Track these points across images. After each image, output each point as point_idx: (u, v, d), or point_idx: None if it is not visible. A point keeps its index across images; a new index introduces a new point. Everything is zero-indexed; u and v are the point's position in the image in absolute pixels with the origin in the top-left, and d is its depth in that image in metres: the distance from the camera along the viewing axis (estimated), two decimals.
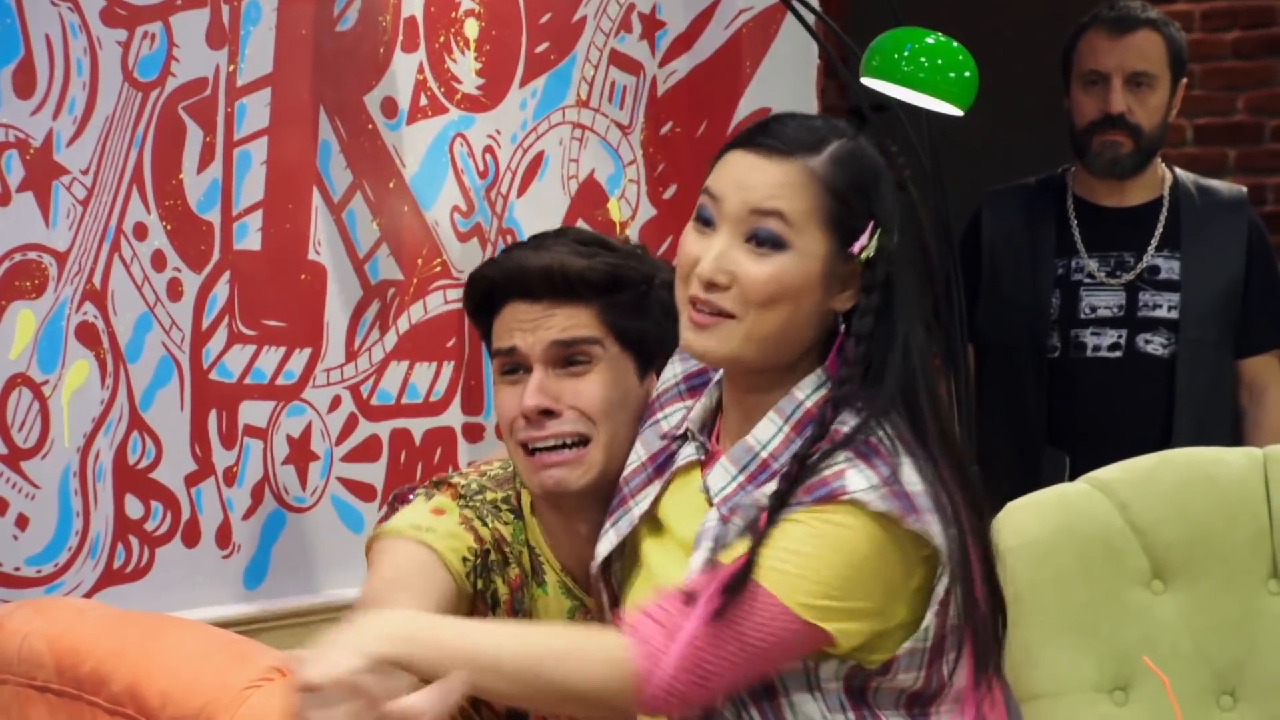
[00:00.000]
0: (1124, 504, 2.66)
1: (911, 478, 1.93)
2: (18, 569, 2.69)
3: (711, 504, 2.00)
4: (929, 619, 1.94)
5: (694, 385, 2.13)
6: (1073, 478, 2.79)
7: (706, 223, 1.98)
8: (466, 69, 3.28)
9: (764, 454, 1.99)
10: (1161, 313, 3.62)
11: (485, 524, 2.15)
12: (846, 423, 1.95)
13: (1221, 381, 3.65)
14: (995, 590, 2.01)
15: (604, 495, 2.13)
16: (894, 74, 3.25)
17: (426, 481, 2.21)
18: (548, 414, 2.11)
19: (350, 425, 3.13)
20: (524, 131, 3.37)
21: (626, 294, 2.14)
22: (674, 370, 2.15)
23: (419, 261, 3.22)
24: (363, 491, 3.15)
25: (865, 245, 1.97)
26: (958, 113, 3.29)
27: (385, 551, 2.10)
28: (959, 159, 3.79)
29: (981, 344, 3.63)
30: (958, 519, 1.95)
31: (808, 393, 1.99)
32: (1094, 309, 3.63)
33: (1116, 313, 3.63)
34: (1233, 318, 3.65)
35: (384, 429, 3.18)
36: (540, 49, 3.39)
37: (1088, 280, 3.63)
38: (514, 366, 2.14)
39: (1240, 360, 3.69)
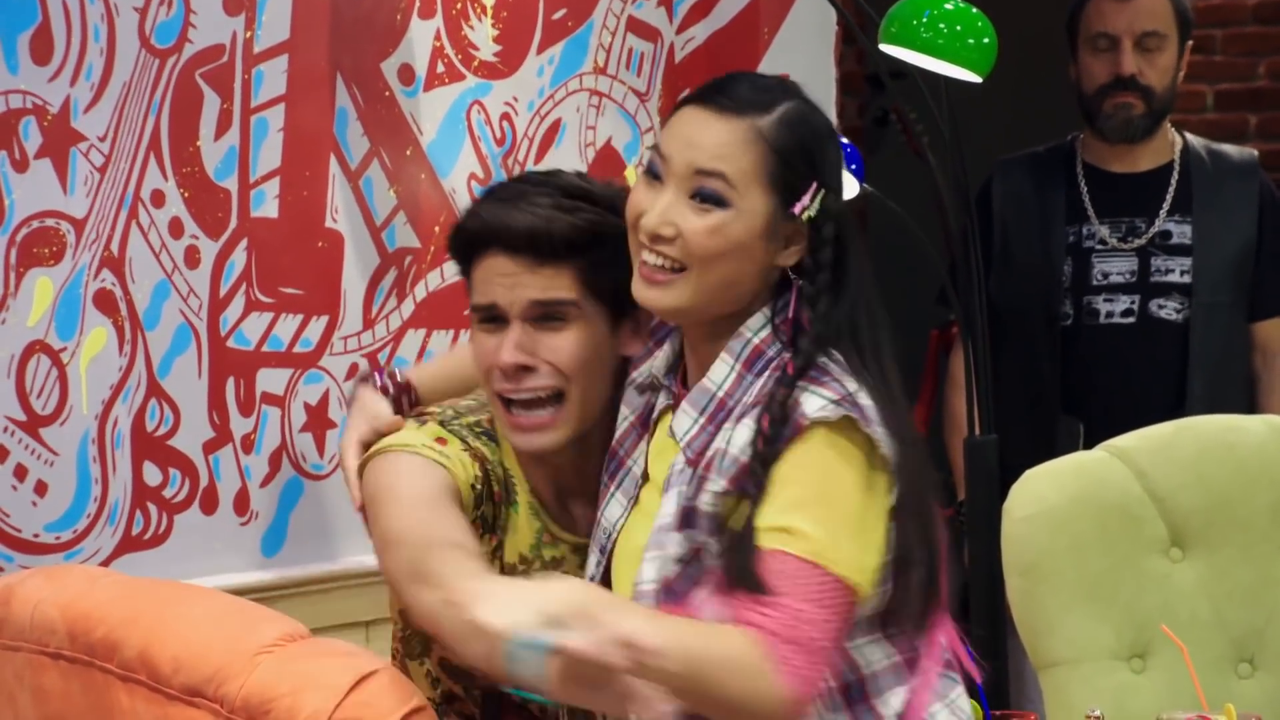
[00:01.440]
0: (1142, 471, 2.65)
1: (864, 398, 2.00)
2: (37, 535, 2.70)
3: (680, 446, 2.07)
4: (891, 529, 2.00)
5: (659, 338, 2.20)
6: (1087, 445, 2.79)
7: (655, 176, 2.05)
8: (484, 36, 3.28)
9: (720, 394, 2.05)
10: (1174, 278, 3.61)
11: (474, 447, 2.20)
12: (798, 356, 2.01)
13: (1234, 345, 3.65)
14: (934, 525, 2.06)
15: (578, 443, 2.19)
16: (912, 40, 3.23)
17: (408, 415, 2.26)
18: (524, 369, 2.16)
19: None
20: (541, 99, 3.37)
21: (606, 250, 2.16)
22: None
23: (436, 229, 3.21)
24: None
25: (807, 206, 2.03)
26: (976, 79, 3.28)
27: (404, 472, 2.14)
28: (977, 125, 3.77)
29: (995, 313, 3.62)
30: (909, 440, 2.02)
31: (754, 330, 2.06)
32: (1106, 275, 3.62)
33: (1129, 279, 3.62)
34: (1245, 281, 3.64)
35: None
36: (558, 15, 3.38)
37: (1099, 246, 3.62)
38: (491, 318, 2.19)
39: (1253, 324, 3.68)
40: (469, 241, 2.20)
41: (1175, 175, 3.65)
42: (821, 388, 1.99)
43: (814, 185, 2.04)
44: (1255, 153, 3.79)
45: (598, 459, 2.21)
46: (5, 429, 2.67)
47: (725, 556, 1.98)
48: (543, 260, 2.15)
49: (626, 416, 2.18)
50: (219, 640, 1.85)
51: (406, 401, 2.31)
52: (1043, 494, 2.64)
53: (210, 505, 2.92)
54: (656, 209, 2.04)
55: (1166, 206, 3.63)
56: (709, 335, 2.09)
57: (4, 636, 1.99)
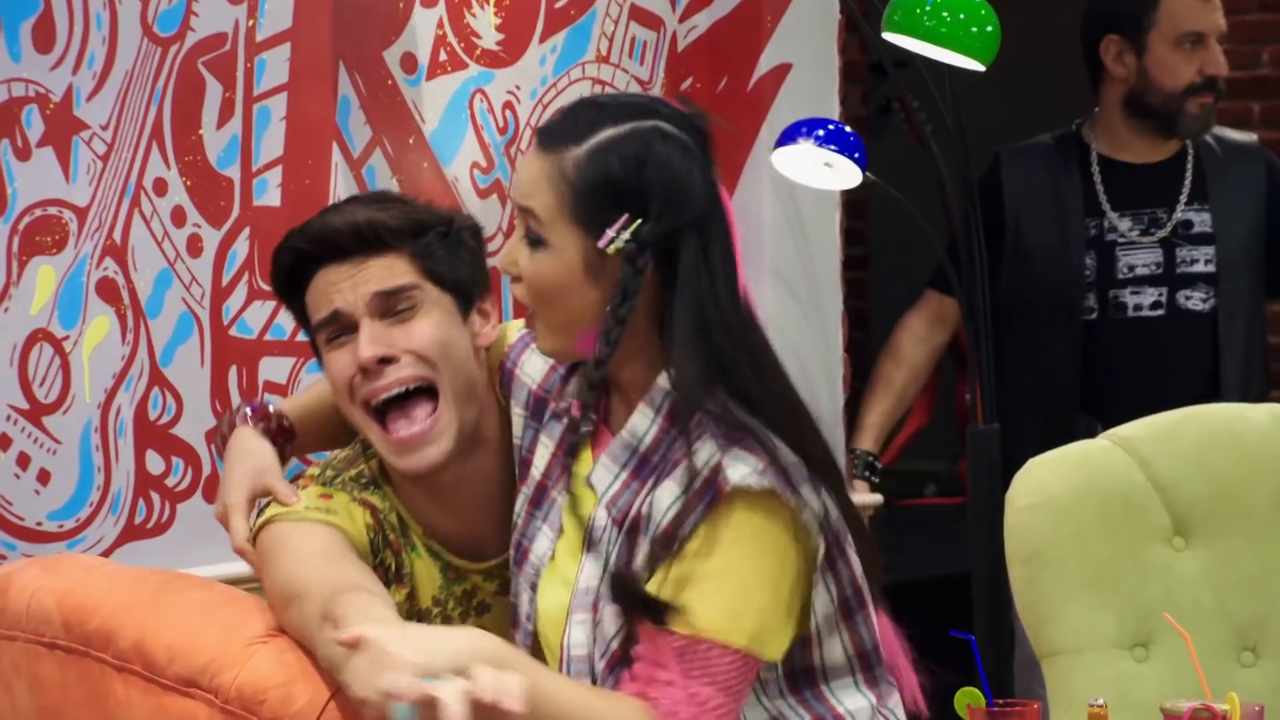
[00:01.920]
0: (1145, 460, 2.65)
1: (783, 455, 1.93)
2: (40, 524, 2.70)
3: (599, 500, 2.01)
4: (823, 589, 1.97)
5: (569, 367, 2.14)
6: None
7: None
8: (486, 24, 3.27)
9: (642, 449, 1.99)
10: (1199, 267, 3.60)
11: (361, 498, 2.14)
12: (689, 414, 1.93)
13: (1256, 329, 3.65)
14: (850, 514, 2.01)
15: (468, 463, 2.14)
16: (916, 29, 3.23)
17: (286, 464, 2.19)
18: (385, 361, 2.11)
19: None
20: (544, 87, 3.36)
21: (432, 237, 2.14)
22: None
23: None
24: None
25: (613, 239, 1.95)
26: (980, 68, 3.27)
27: (294, 535, 2.06)
28: (980, 114, 3.76)
29: (1006, 307, 3.60)
30: (824, 475, 1.96)
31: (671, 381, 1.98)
32: (1132, 268, 3.61)
33: (1155, 270, 3.61)
34: (1259, 263, 3.64)
35: None
36: (560, 4, 3.38)
37: (1122, 240, 3.61)
38: (339, 331, 2.13)
39: (1271, 303, 3.70)
40: (295, 265, 2.15)
41: (1190, 163, 3.64)
42: (748, 453, 1.92)
43: (623, 217, 1.95)
44: (1255, 135, 3.79)
45: (497, 484, 2.16)
46: (8, 418, 2.67)
47: (626, 624, 1.94)
48: (373, 252, 2.11)
49: (549, 447, 2.10)
50: (213, 630, 1.85)
51: (284, 438, 2.21)
52: (1045, 483, 2.64)
53: (213, 494, 2.91)
54: (505, 249, 2.01)
55: (1184, 196, 3.62)
56: (615, 375, 2.01)
57: (1, 626, 1.99)
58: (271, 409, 2.22)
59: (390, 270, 2.11)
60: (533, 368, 2.17)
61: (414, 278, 2.12)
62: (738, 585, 1.92)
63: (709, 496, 1.91)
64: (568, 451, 2.07)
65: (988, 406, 3.48)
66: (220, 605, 1.90)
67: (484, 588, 2.21)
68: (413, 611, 2.17)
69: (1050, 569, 2.61)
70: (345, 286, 2.11)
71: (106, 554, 2.77)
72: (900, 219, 3.57)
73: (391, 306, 2.12)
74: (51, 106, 2.71)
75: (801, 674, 2.01)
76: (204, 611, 1.89)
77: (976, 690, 2.10)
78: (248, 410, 2.21)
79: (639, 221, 1.95)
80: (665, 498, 1.94)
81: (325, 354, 2.16)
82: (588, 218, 1.95)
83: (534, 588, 2.08)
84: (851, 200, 3.85)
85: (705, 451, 1.92)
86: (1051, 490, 2.63)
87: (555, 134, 1.98)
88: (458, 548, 2.19)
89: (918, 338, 3.72)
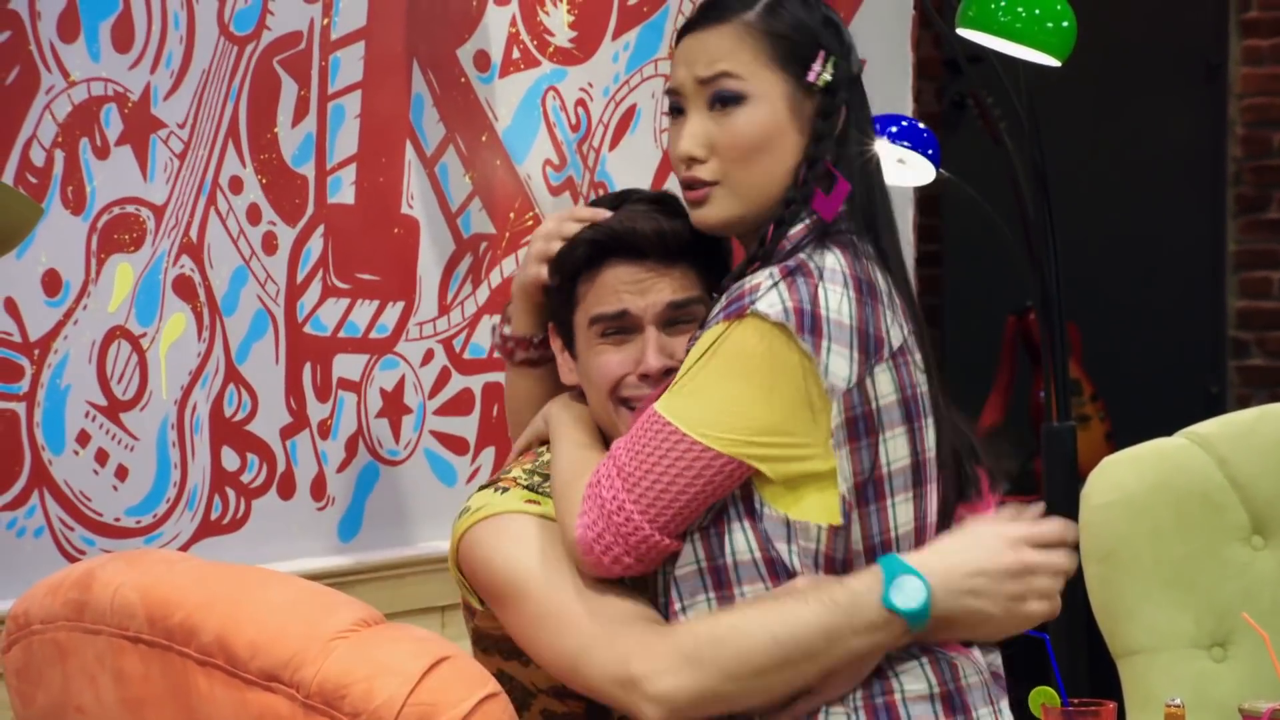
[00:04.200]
0: (1223, 458, 2.63)
1: (835, 304, 1.97)
2: (118, 519, 2.73)
3: None
4: (840, 458, 1.97)
5: None
6: None
7: (676, 111, 2.09)
8: (559, 22, 3.28)
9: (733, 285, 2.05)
10: None
11: None
12: (790, 242, 2.02)
13: None
14: (955, 431, 2.06)
15: None
16: (990, 24, 3.21)
17: (489, 483, 2.18)
18: (669, 372, 2.11)
19: (443, 379, 3.15)
20: (616, 84, 3.37)
21: (718, 254, 2.17)
22: None
23: (511, 215, 3.22)
24: (455, 445, 3.17)
25: (819, 72, 2.05)
26: (1055, 63, 3.25)
27: (511, 528, 2.08)
28: (1055, 110, 3.74)
29: None
30: (923, 353, 2.02)
31: (777, 221, 2.05)
32: None
33: None
34: None
35: (476, 382, 3.20)
36: (633, 1, 3.38)
37: None
38: (618, 329, 2.14)
39: None
40: (589, 256, 2.15)
41: None
42: (787, 288, 1.97)
43: (820, 53, 2.05)
44: None
45: None
46: (87, 414, 2.70)
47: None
48: (672, 262, 2.13)
49: None
50: (295, 625, 1.86)
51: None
52: (1122, 481, 2.62)
53: (287, 490, 2.94)
54: (685, 134, 2.06)
55: None
56: (750, 243, 2.09)
57: (85, 620, 2.00)
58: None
59: (684, 282, 2.13)
60: None
61: (700, 291, 2.14)
62: (700, 376, 1.98)
63: (732, 308, 1.97)
64: None
65: (1061, 404, 3.46)
66: (302, 600, 1.91)
67: None
68: None
69: (1126, 567, 2.59)
70: (636, 290, 2.13)
71: (183, 549, 2.79)
72: (974, 215, 3.55)
73: (676, 317, 2.13)
74: (130, 105, 2.73)
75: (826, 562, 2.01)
76: (286, 606, 1.89)
77: (1051, 690, 2.09)
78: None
79: (834, 56, 2.06)
80: (714, 308, 2.02)
81: (592, 346, 2.15)
82: (790, 56, 2.05)
83: None
84: (925, 197, 3.84)
85: (760, 275, 1.99)
86: (1127, 488, 2.61)
87: (720, 8, 2.07)
88: None
89: None
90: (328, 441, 2.98)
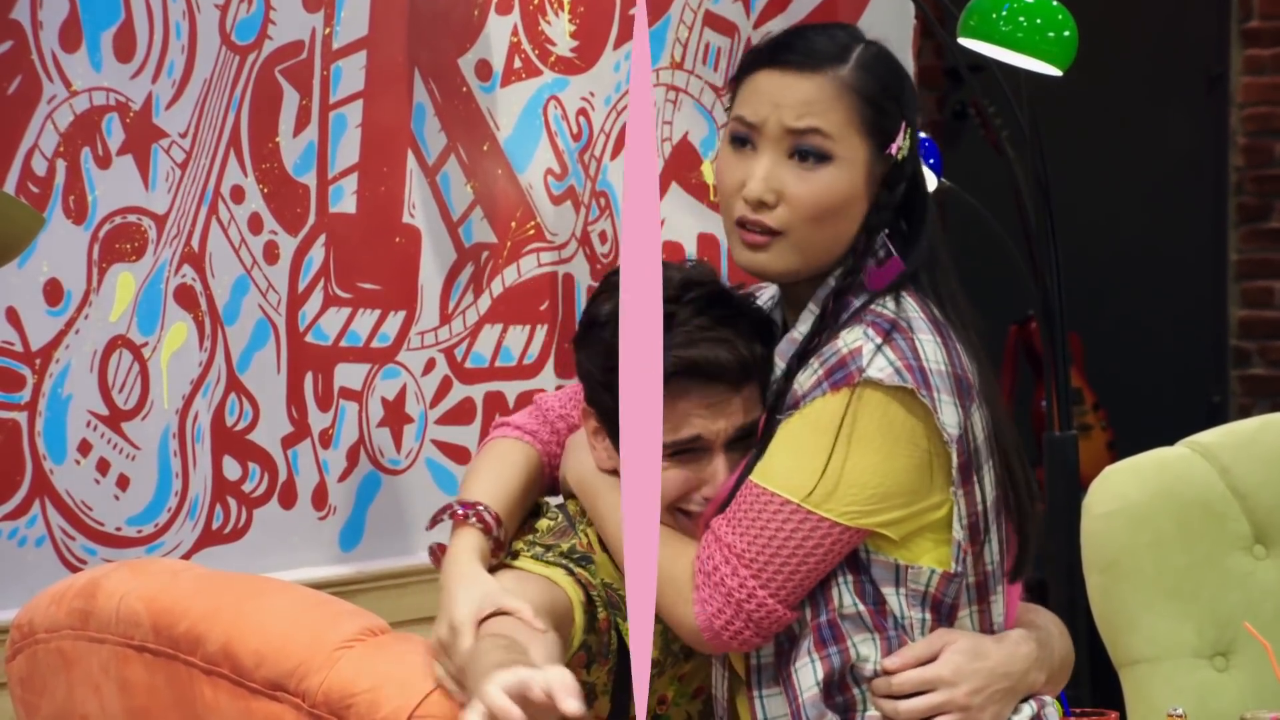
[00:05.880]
0: (1225, 468, 2.62)
1: (934, 354, 1.97)
2: (119, 529, 2.72)
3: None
4: (956, 501, 1.98)
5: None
6: None
7: (744, 143, 2.03)
8: (561, 31, 3.28)
9: (802, 341, 2.03)
10: None
11: (578, 574, 2.09)
12: (862, 298, 2.00)
13: None
14: (1026, 480, 2.05)
15: None
16: (992, 34, 3.21)
17: (499, 558, 2.11)
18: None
19: (444, 388, 3.15)
20: (618, 94, 3.37)
21: (770, 361, 2.11)
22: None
23: (513, 224, 3.22)
24: (457, 454, 3.17)
25: (901, 146, 2.02)
26: (1056, 73, 3.25)
27: (530, 580, 2.04)
28: (1057, 120, 3.74)
29: None
30: (988, 399, 2.00)
31: (839, 279, 2.04)
32: None
33: None
34: None
35: (478, 392, 3.20)
36: (634, 10, 3.38)
37: None
38: (688, 449, 2.07)
39: None
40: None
41: None
42: (890, 349, 1.95)
43: (903, 125, 2.03)
44: None
45: None
46: (88, 424, 2.70)
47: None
48: (741, 384, 2.06)
49: None
50: (300, 634, 1.86)
51: (497, 537, 2.12)
52: (1123, 490, 2.62)
53: (289, 499, 2.94)
54: (758, 175, 2.00)
55: None
56: (805, 289, 2.06)
57: (90, 629, 2.01)
58: (489, 514, 2.09)
59: (752, 402, 2.06)
60: None
61: (761, 408, 2.07)
62: (819, 450, 1.94)
63: (839, 376, 1.94)
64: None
65: (1063, 414, 3.46)
66: (307, 610, 1.91)
67: None
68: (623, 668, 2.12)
69: (1128, 577, 2.59)
70: (708, 415, 2.05)
71: (184, 559, 2.79)
72: (975, 224, 3.55)
73: (742, 436, 2.07)
74: (131, 115, 2.73)
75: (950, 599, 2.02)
76: (291, 616, 1.90)
77: (1054, 699, 2.09)
78: (465, 514, 2.10)
79: (909, 129, 2.04)
80: (808, 378, 1.98)
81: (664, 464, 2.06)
82: (876, 128, 2.01)
83: None
84: None
85: (851, 335, 1.96)
86: (1129, 498, 2.61)
87: (813, 55, 2.01)
88: None
89: None
90: (329, 451, 2.98)
